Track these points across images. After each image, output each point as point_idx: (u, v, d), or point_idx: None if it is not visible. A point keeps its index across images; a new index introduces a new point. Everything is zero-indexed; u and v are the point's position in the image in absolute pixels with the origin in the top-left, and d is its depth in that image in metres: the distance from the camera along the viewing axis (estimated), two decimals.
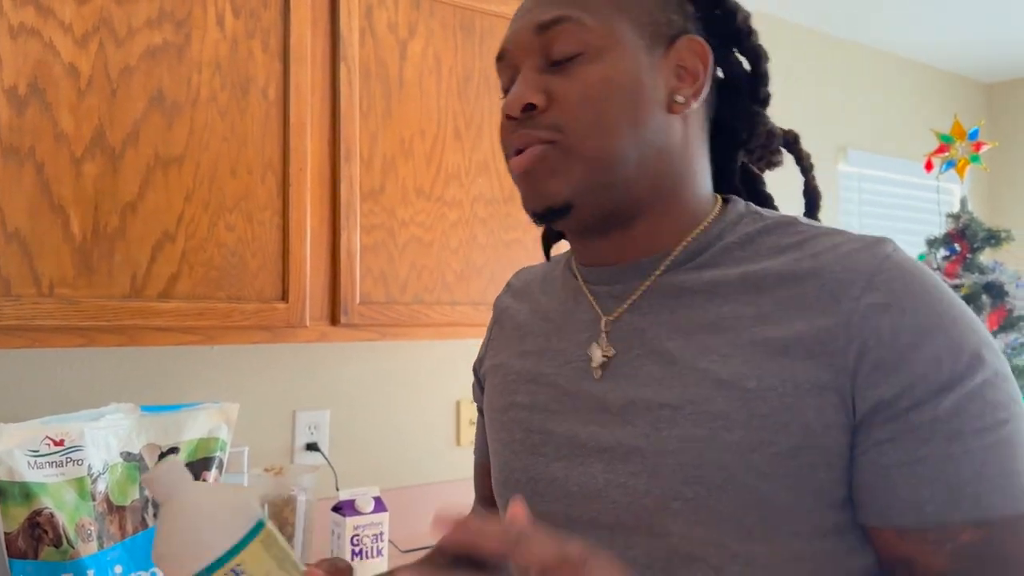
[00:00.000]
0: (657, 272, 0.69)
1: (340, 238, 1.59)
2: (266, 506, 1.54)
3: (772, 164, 0.79)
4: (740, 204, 0.72)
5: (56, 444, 1.10)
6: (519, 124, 0.68)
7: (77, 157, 1.33)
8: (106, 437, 1.16)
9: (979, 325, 0.62)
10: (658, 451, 0.63)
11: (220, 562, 0.56)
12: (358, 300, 1.61)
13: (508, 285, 0.90)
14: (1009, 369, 0.61)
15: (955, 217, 2.57)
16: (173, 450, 1.23)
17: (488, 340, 0.88)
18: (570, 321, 0.75)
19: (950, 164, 2.53)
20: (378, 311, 1.63)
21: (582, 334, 0.73)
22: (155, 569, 1.13)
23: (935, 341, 0.58)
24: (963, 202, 2.60)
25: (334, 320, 1.59)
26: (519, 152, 0.68)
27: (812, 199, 0.79)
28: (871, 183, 3.43)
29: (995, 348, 0.61)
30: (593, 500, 0.66)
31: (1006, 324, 2.41)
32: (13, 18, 1.28)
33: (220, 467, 1.27)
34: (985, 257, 2.58)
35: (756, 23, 2.94)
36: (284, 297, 1.52)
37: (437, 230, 1.72)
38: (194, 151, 1.44)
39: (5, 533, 1.05)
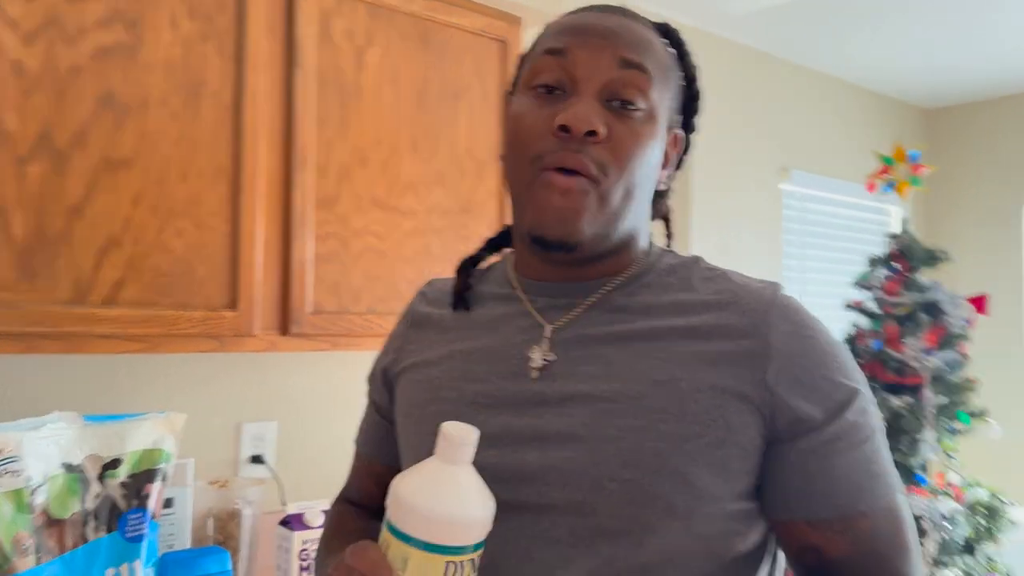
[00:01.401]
0: (601, 291, 0.79)
1: (292, 246, 1.57)
2: (211, 520, 1.51)
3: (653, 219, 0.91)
4: (658, 243, 0.87)
5: None
6: (575, 142, 0.72)
7: (21, 157, 1.29)
8: (46, 447, 1.12)
9: (850, 353, 0.79)
10: (598, 437, 0.71)
11: (463, 550, 0.62)
12: (310, 310, 1.59)
13: (421, 294, 0.94)
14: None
15: (896, 237, 2.65)
16: (116, 462, 1.19)
17: (402, 343, 0.91)
18: (504, 327, 0.81)
19: (891, 186, 2.61)
20: (330, 321, 1.61)
21: (519, 336, 0.79)
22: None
23: (832, 363, 0.73)
24: (904, 223, 2.68)
25: (284, 330, 1.57)
26: (564, 171, 0.72)
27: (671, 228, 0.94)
28: (814, 203, 3.52)
29: (861, 371, 0.79)
30: (525, 484, 0.73)
31: (943, 342, 2.48)
32: None
33: (164, 479, 1.24)
34: (924, 276, 2.66)
35: (705, 44, 3.00)
36: (233, 305, 1.49)
37: (392, 240, 1.70)
38: (144, 154, 1.40)
39: None
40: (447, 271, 1.78)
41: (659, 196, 0.86)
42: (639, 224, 0.80)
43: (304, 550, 1.32)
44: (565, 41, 0.75)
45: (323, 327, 1.60)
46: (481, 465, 0.74)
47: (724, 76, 3.07)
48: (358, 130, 1.66)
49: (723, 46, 3.07)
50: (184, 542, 1.36)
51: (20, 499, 1.07)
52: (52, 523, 1.11)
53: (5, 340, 1.27)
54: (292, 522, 1.34)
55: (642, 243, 0.82)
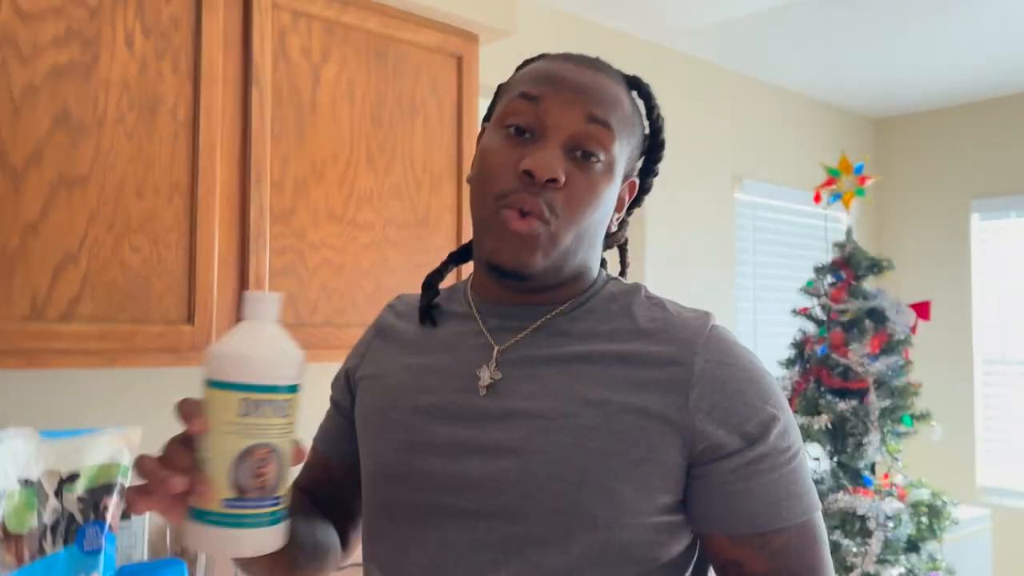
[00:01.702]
0: (547, 316, 0.85)
1: (249, 261, 1.59)
2: (169, 530, 1.52)
3: (608, 248, 0.98)
4: (606, 272, 0.93)
5: None
6: (535, 187, 0.79)
7: None
8: (3, 463, 1.13)
9: (774, 380, 0.84)
10: (531, 451, 0.77)
11: (275, 389, 0.67)
12: None
13: (391, 306, 1.00)
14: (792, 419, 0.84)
15: (841, 246, 2.73)
16: (73, 476, 1.21)
17: (366, 350, 0.97)
18: (459, 345, 0.87)
19: (837, 196, 2.69)
20: (288, 333, 1.63)
21: (471, 355, 0.85)
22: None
23: (752, 390, 0.78)
24: (848, 232, 2.77)
25: None
26: (520, 211, 0.79)
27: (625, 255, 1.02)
28: (765, 211, 3.61)
29: (783, 397, 0.83)
30: (466, 491, 0.79)
31: (887, 348, 2.57)
32: None
33: (122, 493, 1.26)
34: (869, 284, 2.75)
35: (657, 57, 3.07)
36: (190, 319, 1.51)
37: (348, 252, 1.73)
38: (99, 172, 1.42)
39: None
40: (404, 284, 1.82)
41: (613, 232, 0.93)
42: (589, 259, 0.86)
43: None
44: (541, 89, 0.81)
45: None
46: (428, 472, 0.81)
47: (676, 88, 3.15)
48: (314, 145, 1.69)
49: (675, 59, 3.14)
50: (142, 554, 1.37)
51: None
52: (9, 538, 1.12)
53: None
54: None
55: (591, 274, 0.88)
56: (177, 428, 1.84)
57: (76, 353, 1.40)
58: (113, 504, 1.24)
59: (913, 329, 2.62)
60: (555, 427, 0.77)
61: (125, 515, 1.35)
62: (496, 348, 0.84)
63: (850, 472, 2.56)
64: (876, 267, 2.66)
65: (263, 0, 1.61)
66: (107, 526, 1.22)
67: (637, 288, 0.88)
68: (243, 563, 0.88)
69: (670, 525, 0.79)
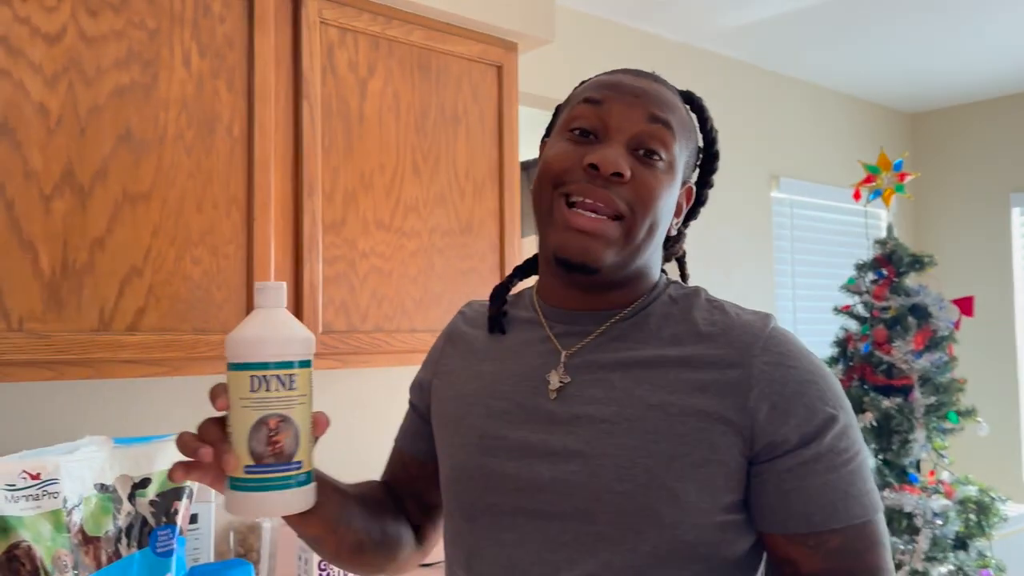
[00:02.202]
0: (611, 321, 0.88)
1: (303, 270, 1.64)
2: (232, 534, 1.57)
3: (667, 260, 1.01)
4: (666, 276, 0.96)
5: (33, 478, 1.12)
6: (600, 180, 0.82)
7: (46, 194, 1.36)
8: (81, 470, 1.19)
9: (837, 382, 0.85)
10: (598, 454, 0.81)
11: (286, 365, 0.76)
12: (320, 330, 1.66)
13: (461, 313, 1.04)
14: (854, 414, 0.85)
15: (882, 243, 2.73)
16: (145, 481, 1.26)
17: (439, 357, 1.02)
18: (527, 351, 0.91)
19: (877, 193, 2.69)
20: (340, 340, 1.68)
21: (538, 360, 0.89)
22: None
23: (811, 391, 0.80)
24: (889, 229, 2.76)
25: None
26: (582, 204, 0.82)
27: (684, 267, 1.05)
28: (802, 209, 3.60)
29: (846, 398, 0.84)
30: (539, 493, 0.82)
31: (930, 344, 2.56)
32: None
33: (190, 496, 1.31)
34: (911, 281, 2.74)
35: (693, 59, 3.08)
36: None
37: (396, 260, 1.78)
38: (161, 187, 1.47)
39: None
40: (450, 289, 1.85)
41: (672, 240, 0.97)
42: (652, 261, 0.89)
43: (322, 559, 1.38)
44: (603, 94, 0.85)
45: (333, 346, 1.67)
46: (502, 474, 0.85)
47: (712, 89, 3.16)
48: (362, 156, 1.74)
49: (711, 60, 3.15)
50: (208, 556, 1.42)
51: (58, 519, 1.14)
52: (88, 540, 1.17)
53: (36, 368, 1.34)
54: None
55: (653, 277, 0.91)
56: None
57: (142, 363, 1.45)
58: (182, 507, 1.29)
59: (956, 325, 2.61)
60: (619, 431, 0.81)
61: (193, 519, 1.40)
62: (563, 353, 0.87)
63: (896, 469, 2.55)
64: (918, 263, 2.65)
65: (311, 17, 1.66)
66: (178, 529, 1.27)
67: (697, 291, 0.91)
68: (310, 541, 0.91)
69: (735, 524, 0.81)
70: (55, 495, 1.14)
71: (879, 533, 0.80)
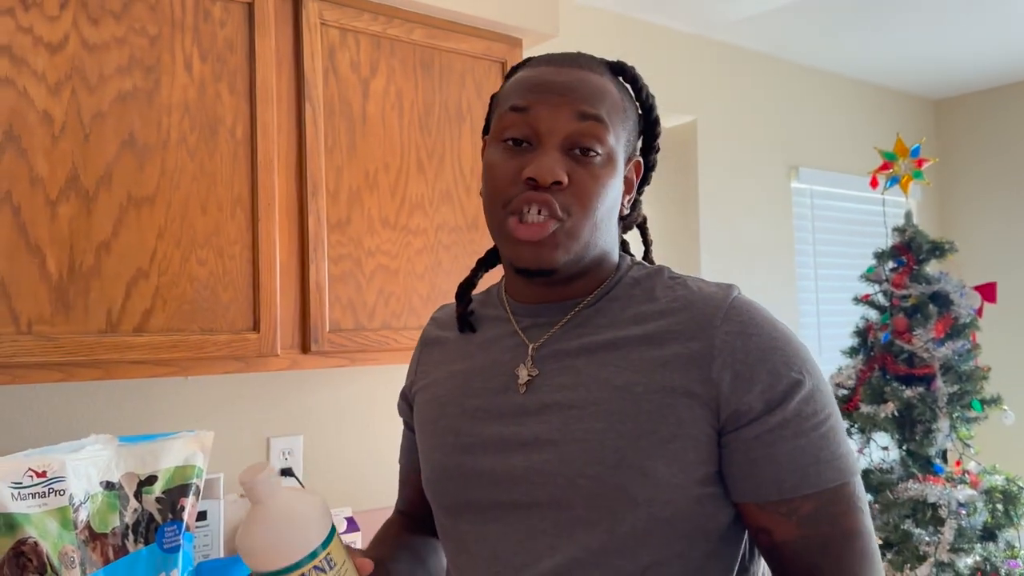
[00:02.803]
0: (575, 310, 0.89)
1: (309, 269, 1.65)
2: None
3: (627, 230, 1.01)
4: (628, 257, 0.96)
5: (39, 476, 1.15)
6: (536, 193, 0.83)
7: (52, 199, 1.39)
8: (87, 468, 1.21)
9: (803, 347, 0.84)
10: (567, 440, 0.81)
11: (315, 554, 0.72)
12: (327, 328, 1.67)
13: (433, 319, 1.07)
14: (824, 378, 0.84)
15: (901, 230, 2.69)
16: (151, 479, 1.28)
17: (417, 365, 1.04)
18: (496, 346, 0.92)
19: (894, 180, 2.65)
20: (347, 338, 1.69)
21: (506, 355, 0.91)
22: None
23: (774, 357, 0.80)
24: (908, 216, 2.72)
25: (305, 348, 1.65)
26: (526, 213, 0.83)
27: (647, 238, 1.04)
28: (823, 199, 3.56)
29: (815, 363, 0.84)
30: (515, 485, 0.84)
31: (952, 332, 2.52)
32: None
33: (197, 493, 1.33)
34: (931, 268, 2.69)
35: (707, 50, 3.06)
36: (255, 327, 1.58)
37: (403, 258, 1.79)
38: (165, 190, 1.50)
39: None
40: (457, 285, 1.86)
41: (627, 215, 0.96)
42: (607, 246, 0.90)
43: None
44: (528, 99, 0.85)
45: (341, 344, 1.69)
46: (480, 470, 0.86)
47: (726, 80, 3.13)
48: (366, 155, 1.75)
49: (725, 51, 3.13)
50: (219, 551, 1.44)
51: (65, 516, 1.17)
52: (95, 537, 1.20)
53: (45, 369, 1.37)
54: None
55: (612, 261, 0.92)
56: (251, 432, 1.92)
57: (150, 363, 1.47)
58: (189, 504, 1.31)
59: (979, 312, 2.56)
60: (587, 415, 0.81)
61: (202, 516, 1.42)
62: (530, 346, 0.89)
63: (920, 460, 2.51)
64: (938, 250, 2.61)
65: (312, 19, 1.68)
66: (184, 525, 1.29)
67: (660, 270, 0.91)
68: None
69: (712, 496, 0.81)
70: (61, 492, 1.16)
71: (855, 496, 0.80)
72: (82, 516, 1.18)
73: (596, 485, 0.79)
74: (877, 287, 2.70)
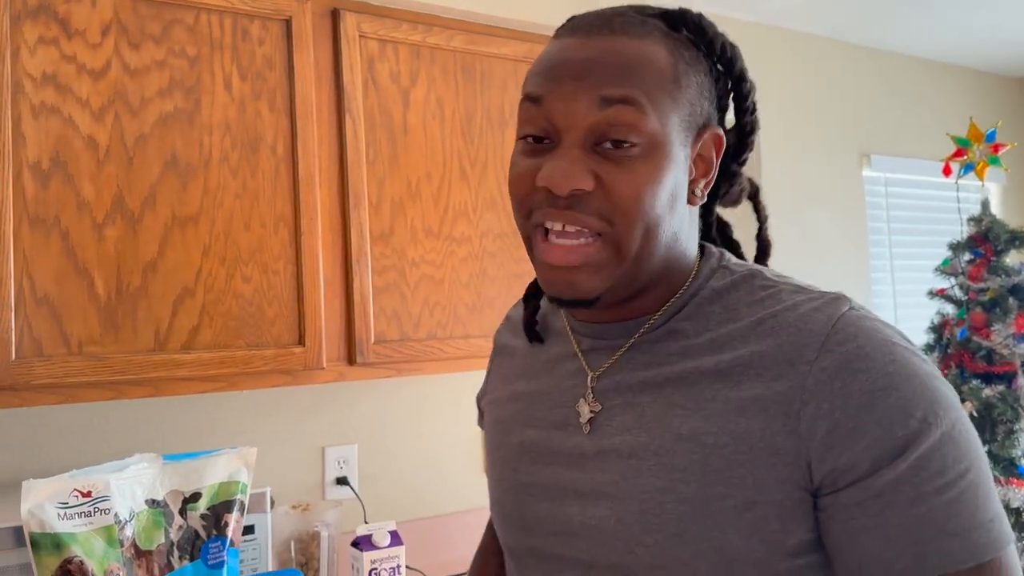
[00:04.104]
0: (640, 332, 0.73)
1: (353, 282, 1.66)
2: (293, 543, 1.61)
3: (730, 206, 0.83)
4: (713, 258, 0.76)
5: (84, 496, 1.18)
6: (557, 203, 0.67)
7: (99, 223, 1.42)
8: (131, 486, 1.24)
9: (933, 379, 0.63)
10: (624, 498, 0.68)
11: None
12: (373, 340, 1.68)
13: (507, 318, 0.94)
14: (966, 419, 0.63)
15: (977, 220, 2.55)
16: (196, 495, 1.30)
17: (488, 374, 0.94)
18: (557, 370, 0.79)
19: (969, 167, 2.51)
20: (393, 349, 1.70)
21: (567, 382, 0.77)
22: None
23: (886, 401, 0.61)
24: (984, 204, 2.58)
25: (351, 360, 1.66)
26: (558, 234, 0.68)
27: (763, 247, 0.83)
28: (897, 187, 3.41)
29: (950, 400, 0.63)
30: (572, 540, 0.72)
31: None
32: (35, 98, 1.38)
33: (241, 509, 1.34)
34: (1010, 259, 2.55)
35: (769, 38, 2.96)
36: (301, 341, 1.60)
37: (447, 267, 1.78)
38: (209, 209, 1.52)
39: None
40: (503, 293, 1.84)
41: (725, 191, 0.79)
42: (676, 250, 0.72)
43: (374, 569, 1.40)
44: (543, 85, 0.68)
45: (387, 355, 1.69)
46: (537, 517, 0.76)
47: (789, 67, 3.03)
48: (408, 166, 1.75)
49: (787, 38, 3.02)
50: (266, 565, 1.46)
51: (111, 534, 1.19)
52: (140, 555, 1.22)
53: (96, 389, 1.41)
54: (362, 543, 1.43)
55: (684, 265, 0.74)
56: (301, 441, 1.94)
57: (198, 379, 1.50)
58: (233, 519, 1.33)
59: None
60: (646, 468, 0.67)
61: (249, 529, 1.44)
62: (589, 375, 0.75)
63: (1002, 462, 2.38)
64: (1018, 240, 2.47)
65: (350, 32, 1.68)
66: (228, 540, 1.31)
67: (749, 277, 0.72)
68: None
69: (811, 566, 0.65)
70: (106, 512, 1.19)
71: (1008, 572, 0.60)
72: (128, 534, 1.21)
73: (656, 557, 0.66)
74: (953, 280, 2.57)
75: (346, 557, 1.65)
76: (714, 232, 0.84)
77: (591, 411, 0.73)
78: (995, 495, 0.62)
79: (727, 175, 0.78)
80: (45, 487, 1.15)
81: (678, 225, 0.70)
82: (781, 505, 0.63)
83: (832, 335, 0.63)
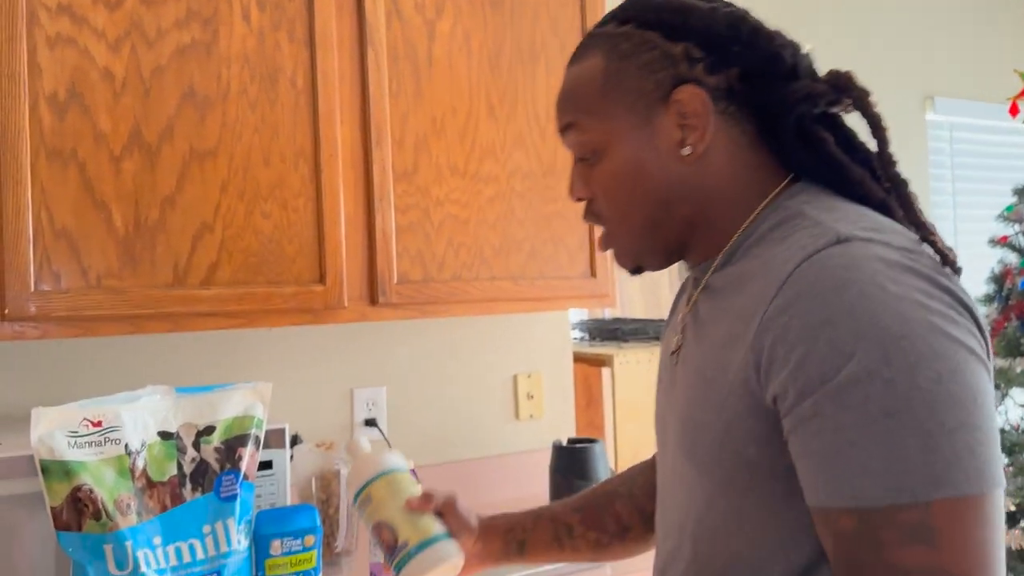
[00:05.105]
0: (707, 274, 0.81)
1: (375, 220, 1.63)
2: (314, 480, 1.61)
3: (845, 111, 0.80)
4: (781, 202, 0.76)
5: (94, 425, 1.18)
6: (584, 207, 0.85)
7: (116, 155, 1.41)
8: (143, 417, 1.24)
9: (890, 322, 0.61)
10: (670, 428, 0.82)
11: (354, 499, 1.02)
12: (395, 280, 1.65)
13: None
14: (926, 369, 0.60)
15: None
16: (209, 429, 1.30)
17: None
18: (679, 307, 0.92)
19: None
20: (416, 290, 1.67)
21: (677, 318, 0.89)
22: (193, 542, 1.21)
23: (822, 335, 0.62)
24: None
25: (373, 300, 1.64)
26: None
27: (875, 133, 0.78)
28: (964, 132, 3.23)
29: (904, 347, 0.60)
30: (667, 450, 0.85)
31: None
32: (50, 29, 1.36)
33: (256, 444, 1.34)
34: None
35: None
36: (322, 280, 1.58)
37: (473, 207, 1.73)
38: (227, 143, 1.50)
39: (51, 507, 1.14)
40: (531, 235, 1.79)
41: (781, 104, 0.76)
42: (696, 206, 0.78)
43: None
44: None
45: (410, 296, 1.66)
46: (663, 439, 0.87)
47: (848, 8, 2.87)
48: (432, 100, 1.70)
49: None
50: (285, 500, 1.46)
51: (121, 464, 1.20)
52: (152, 485, 1.23)
53: (115, 322, 1.41)
54: None
55: (731, 211, 0.78)
56: (330, 382, 1.94)
57: (218, 316, 1.50)
58: (248, 454, 1.32)
59: None
60: (683, 399, 0.79)
61: (267, 465, 1.44)
62: (682, 312, 0.86)
63: None
64: None
65: None
66: (242, 474, 1.31)
67: (790, 217, 0.74)
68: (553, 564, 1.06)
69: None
70: (117, 442, 1.20)
71: (918, 526, 0.58)
72: (139, 464, 1.21)
73: (684, 475, 0.79)
74: (1016, 228, 2.43)
75: None
76: (798, 151, 0.79)
77: (677, 343, 0.83)
78: (949, 450, 0.59)
79: (774, 93, 0.77)
80: (55, 415, 1.15)
81: (677, 187, 0.78)
82: (753, 432, 0.68)
83: (795, 273, 0.66)
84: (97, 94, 1.40)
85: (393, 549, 0.95)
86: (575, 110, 0.81)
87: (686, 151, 0.77)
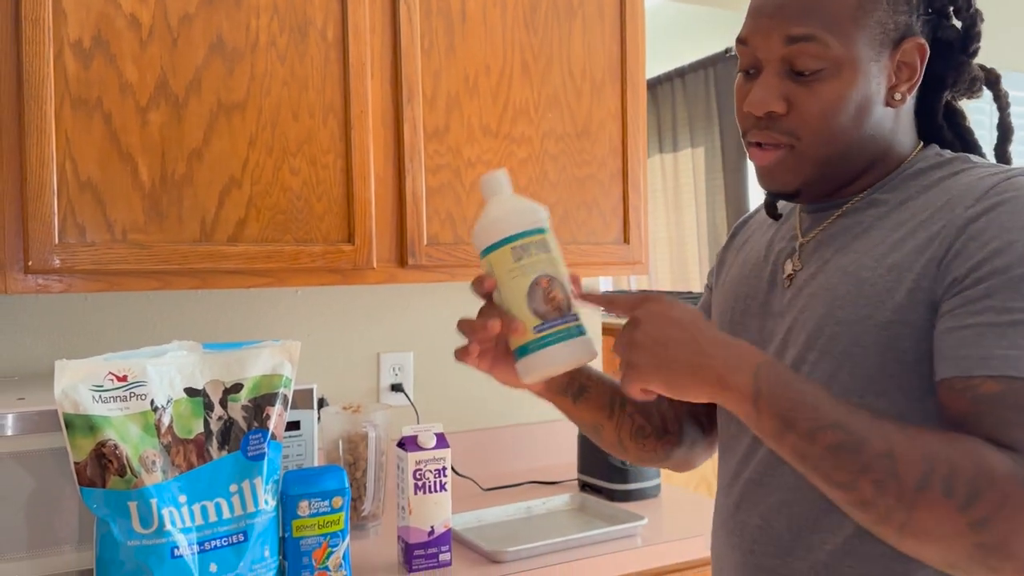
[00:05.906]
0: (847, 205, 0.88)
1: (405, 180, 1.59)
2: (341, 441, 1.59)
3: (971, 97, 0.93)
4: (931, 149, 0.88)
5: (119, 380, 1.15)
6: (760, 122, 0.85)
7: (142, 106, 1.37)
8: (170, 373, 1.21)
9: None
10: (797, 325, 0.85)
11: (536, 231, 0.85)
12: (425, 241, 1.61)
13: (751, 214, 1.10)
14: None
15: None
16: (237, 387, 1.27)
17: (722, 253, 1.11)
18: (777, 242, 0.96)
19: None
20: (446, 252, 1.63)
21: (778, 247, 0.94)
22: (219, 500, 1.18)
23: (1016, 239, 0.72)
24: None
25: (402, 262, 1.60)
26: (758, 144, 0.86)
27: (1004, 134, 0.90)
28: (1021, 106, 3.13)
29: None
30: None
31: None
32: None
33: (284, 403, 1.31)
34: None
35: None
36: (350, 239, 1.54)
37: (505, 168, 1.68)
38: (256, 96, 1.46)
39: (75, 463, 1.12)
40: (564, 197, 1.74)
41: (956, 77, 0.88)
42: (876, 148, 0.86)
43: (418, 470, 1.36)
44: (746, 28, 0.86)
45: (440, 258, 1.62)
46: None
47: None
48: (465, 57, 1.65)
49: None
50: (312, 461, 1.44)
51: (147, 420, 1.17)
52: (178, 442, 1.20)
53: (140, 277, 1.38)
54: (407, 443, 1.39)
55: (893, 158, 0.87)
56: (358, 345, 1.91)
57: (246, 273, 1.46)
58: (275, 413, 1.30)
59: None
60: (815, 301, 0.83)
61: (295, 425, 1.41)
62: (799, 241, 0.91)
63: None
64: None
65: None
66: (270, 433, 1.28)
67: (954, 159, 0.85)
68: (589, 430, 1.03)
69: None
70: (143, 397, 1.17)
71: None
72: (165, 421, 1.19)
73: (813, 373, 0.82)
74: None
75: (393, 459, 1.62)
76: (940, 119, 0.91)
77: (793, 269, 0.89)
78: None
79: (954, 67, 0.87)
80: (79, 368, 1.13)
81: (875, 127, 0.84)
82: (914, 325, 0.76)
83: (993, 188, 0.76)
84: (123, 42, 1.36)
85: (562, 313, 0.83)
86: (820, 24, 0.81)
87: (897, 96, 0.84)
